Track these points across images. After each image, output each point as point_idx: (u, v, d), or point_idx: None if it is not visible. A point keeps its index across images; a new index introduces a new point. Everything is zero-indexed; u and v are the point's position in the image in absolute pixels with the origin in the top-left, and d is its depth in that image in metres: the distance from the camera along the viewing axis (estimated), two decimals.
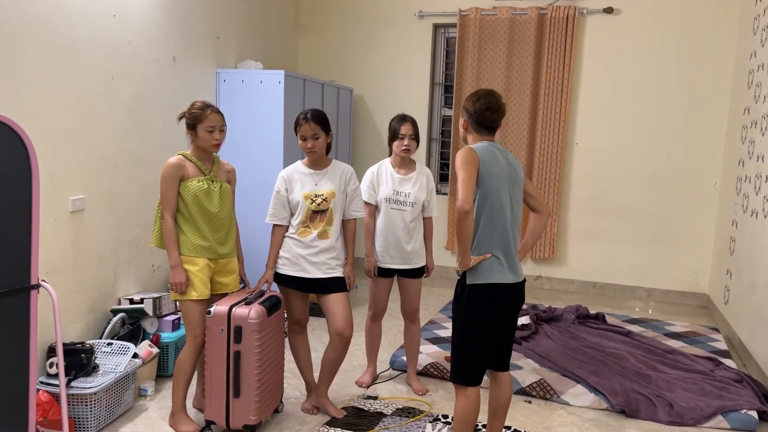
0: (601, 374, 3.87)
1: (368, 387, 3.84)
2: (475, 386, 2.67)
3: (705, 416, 3.45)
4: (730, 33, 5.52)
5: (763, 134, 4.38)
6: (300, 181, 3.30)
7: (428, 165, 6.53)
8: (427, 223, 3.70)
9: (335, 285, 3.33)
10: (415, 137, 3.57)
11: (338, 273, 3.33)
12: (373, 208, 3.65)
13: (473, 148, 2.61)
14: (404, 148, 3.55)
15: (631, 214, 5.95)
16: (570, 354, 4.19)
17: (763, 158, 4.33)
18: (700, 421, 3.45)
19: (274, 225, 3.32)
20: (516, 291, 2.69)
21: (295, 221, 3.31)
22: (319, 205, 3.29)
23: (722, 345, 4.59)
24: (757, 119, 4.55)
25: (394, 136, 3.57)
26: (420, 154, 6.48)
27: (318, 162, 3.35)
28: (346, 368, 4.08)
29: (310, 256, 3.29)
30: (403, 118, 3.56)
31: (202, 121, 3.05)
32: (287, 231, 3.34)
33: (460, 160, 2.56)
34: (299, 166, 3.36)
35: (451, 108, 6.37)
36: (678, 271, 5.90)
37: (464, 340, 2.63)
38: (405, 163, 3.64)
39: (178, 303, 3.78)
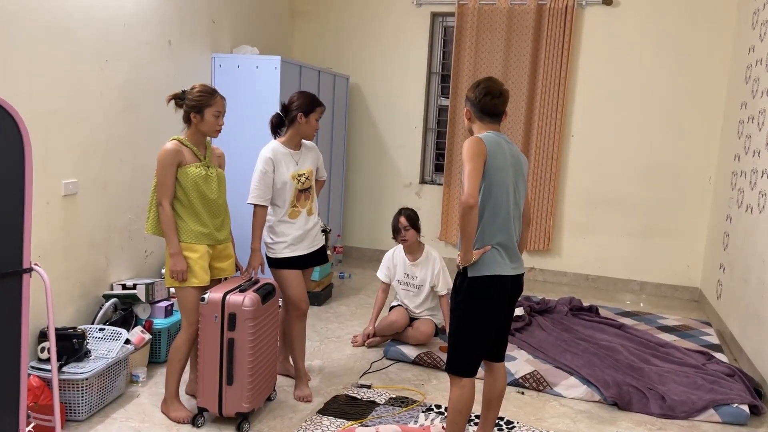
0: (594, 366, 3.88)
1: (358, 344, 4.28)
2: (470, 377, 2.66)
3: (697, 409, 3.46)
4: (728, 27, 5.51)
5: (760, 129, 4.38)
6: (284, 162, 3.32)
7: (423, 155, 6.51)
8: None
9: (322, 256, 3.57)
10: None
11: (322, 243, 3.59)
12: None
13: (481, 138, 2.56)
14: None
15: (625, 208, 5.96)
16: (563, 346, 4.20)
17: (759, 153, 4.33)
18: (692, 414, 3.46)
19: (258, 206, 3.31)
20: (514, 282, 2.68)
21: (284, 204, 3.34)
22: (303, 183, 3.38)
23: (714, 339, 4.61)
24: (754, 114, 4.55)
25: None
26: (415, 144, 6.45)
27: (298, 142, 3.40)
28: (339, 357, 4.08)
29: (307, 234, 3.42)
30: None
31: (211, 105, 3.01)
32: (276, 215, 3.36)
33: (467, 151, 2.50)
34: (278, 146, 3.35)
35: (448, 98, 6.34)
36: (671, 265, 5.91)
37: (462, 331, 2.62)
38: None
39: (173, 289, 3.73)
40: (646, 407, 3.52)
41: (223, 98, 3.08)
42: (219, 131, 3.09)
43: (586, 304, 5.21)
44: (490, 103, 2.65)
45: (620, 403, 3.55)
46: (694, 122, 5.70)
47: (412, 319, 4.24)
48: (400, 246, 4.23)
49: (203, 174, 3.05)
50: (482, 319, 2.61)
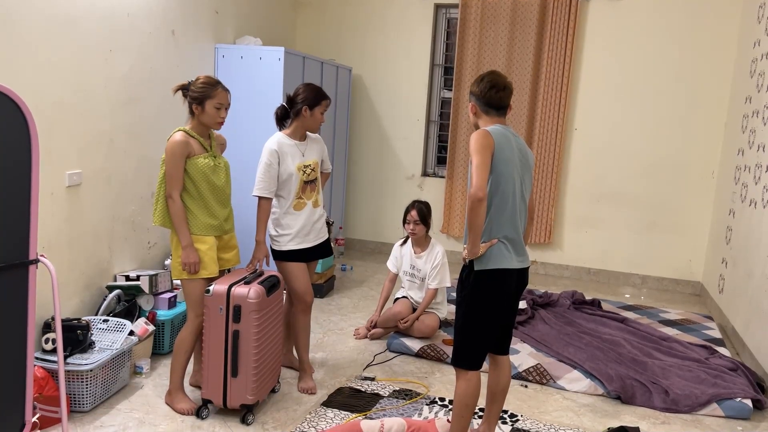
0: (597, 360, 3.88)
1: (360, 336, 4.29)
2: (476, 370, 2.66)
3: (700, 404, 3.47)
4: (733, 21, 5.49)
5: (765, 124, 4.37)
6: (290, 154, 3.30)
7: (426, 147, 6.50)
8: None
9: (326, 249, 3.55)
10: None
11: (326, 236, 3.57)
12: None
13: (489, 131, 2.55)
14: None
15: (627, 201, 5.95)
16: (566, 339, 4.20)
17: (764, 148, 4.32)
18: (695, 408, 3.47)
19: (263, 198, 3.28)
20: (520, 276, 2.67)
21: (289, 195, 3.32)
22: (308, 175, 3.36)
23: (716, 333, 4.62)
24: (759, 109, 4.54)
25: None
26: (418, 136, 6.44)
27: (303, 134, 3.38)
28: (342, 349, 4.08)
29: (312, 227, 3.42)
30: None
31: (212, 97, 2.99)
32: (282, 208, 3.35)
33: (475, 144, 2.49)
34: (284, 138, 3.33)
35: (451, 90, 6.31)
36: (672, 259, 5.91)
37: (468, 324, 2.62)
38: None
39: (180, 281, 3.74)
40: (649, 401, 3.53)
41: (226, 90, 3.04)
42: (221, 124, 3.06)
43: (588, 297, 5.21)
44: (495, 96, 2.64)
45: (623, 396, 3.55)
46: (697, 116, 5.68)
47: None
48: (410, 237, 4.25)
49: (211, 165, 3.04)
50: (489, 313, 2.61)
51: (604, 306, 5.12)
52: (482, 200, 2.42)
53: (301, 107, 3.28)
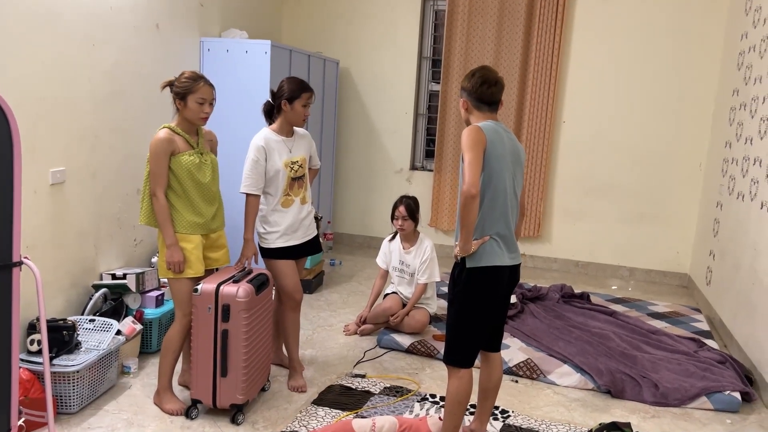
0: (587, 354, 3.89)
1: (350, 333, 4.27)
2: (468, 368, 2.65)
3: (689, 397, 3.49)
4: (720, 13, 5.49)
5: (752, 116, 4.38)
6: (277, 150, 3.26)
7: (414, 141, 6.47)
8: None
9: (315, 245, 3.53)
10: None
11: (315, 233, 3.53)
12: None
13: (480, 127, 2.53)
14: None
15: (615, 194, 5.96)
16: (555, 334, 4.20)
17: (751, 140, 4.33)
18: (685, 401, 3.48)
19: (250, 195, 3.24)
20: (512, 272, 2.66)
21: (276, 192, 3.28)
22: (296, 171, 3.32)
23: (704, 326, 4.64)
24: (747, 101, 4.55)
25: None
26: (406, 130, 6.40)
27: (289, 129, 3.34)
28: (332, 346, 4.06)
29: (300, 224, 3.38)
30: None
31: (193, 92, 2.93)
32: (269, 205, 3.31)
33: (466, 140, 2.47)
34: (270, 133, 3.29)
35: (439, 83, 6.28)
36: (660, 251, 5.94)
37: (460, 322, 2.60)
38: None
39: (166, 280, 3.69)
40: (639, 395, 3.54)
41: (209, 85, 2.99)
42: (204, 119, 3.01)
43: (577, 290, 5.23)
44: (487, 92, 2.62)
45: (613, 391, 3.56)
46: (685, 109, 5.70)
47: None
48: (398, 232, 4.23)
49: (197, 162, 2.99)
50: (481, 310, 2.59)
51: (593, 299, 5.13)
52: (475, 197, 2.40)
53: (280, 102, 3.24)
